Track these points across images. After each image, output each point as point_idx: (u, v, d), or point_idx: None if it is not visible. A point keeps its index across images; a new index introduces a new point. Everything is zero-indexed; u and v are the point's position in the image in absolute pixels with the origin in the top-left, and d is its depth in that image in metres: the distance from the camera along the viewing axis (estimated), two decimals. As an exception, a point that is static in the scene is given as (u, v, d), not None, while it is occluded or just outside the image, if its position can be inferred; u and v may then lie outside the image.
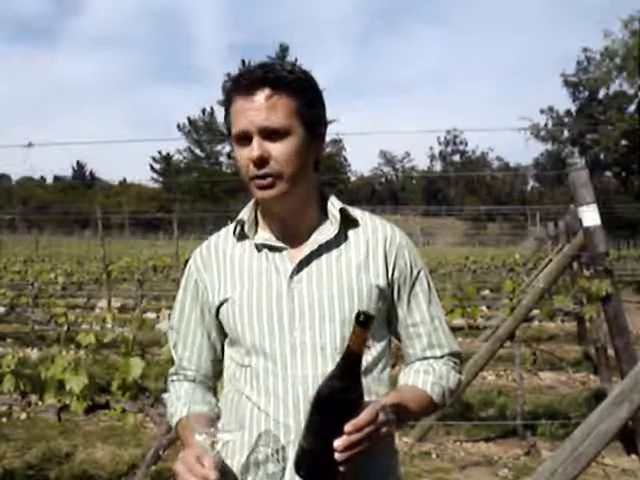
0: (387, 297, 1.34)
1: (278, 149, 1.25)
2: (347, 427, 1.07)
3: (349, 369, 1.08)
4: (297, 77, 1.27)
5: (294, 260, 1.31)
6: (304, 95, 1.28)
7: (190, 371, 1.42)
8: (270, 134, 1.24)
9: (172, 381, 1.45)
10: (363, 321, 1.06)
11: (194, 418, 1.31)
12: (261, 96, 1.24)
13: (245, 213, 1.38)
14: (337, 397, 1.07)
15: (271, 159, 1.25)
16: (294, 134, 1.26)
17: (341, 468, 1.08)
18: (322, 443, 1.08)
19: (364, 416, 1.09)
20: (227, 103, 1.30)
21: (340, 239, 1.33)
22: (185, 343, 1.42)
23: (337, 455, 1.07)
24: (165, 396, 1.47)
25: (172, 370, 1.46)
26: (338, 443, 1.07)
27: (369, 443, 1.10)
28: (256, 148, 1.24)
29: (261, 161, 1.24)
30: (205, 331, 1.40)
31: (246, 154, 1.26)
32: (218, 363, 1.43)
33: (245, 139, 1.26)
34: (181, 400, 1.39)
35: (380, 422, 1.12)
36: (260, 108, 1.24)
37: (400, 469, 1.40)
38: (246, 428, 1.28)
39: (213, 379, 1.45)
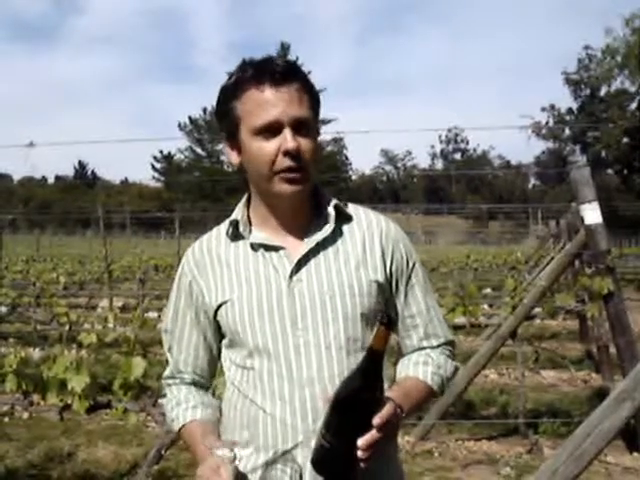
0: (385, 291, 1.33)
1: (306, 143, 1.24)
2: (373, 425, 1.07)
3: (372, 368, 1.10)
4: (307, 76, 1.29)
5: (292, 259, 1.29)
6: (315, 94, 1.29)
7: (187, 374, 1.40)
8: (300, 127, 1.22)
9: (169, 385, 1.43)
10: (386, 322, 1.09)
11: (201, 427, 1.30)
12: (292, 88, 1.22)
13: (237, 213, 1.35)
14: (361, 396, 1.08)
15: (301, 152, 1.22)
16: (314, 129, 1.27)
17: (362, 465, 1.08)
18: (345, 442, 1.08)
19: (386, 413, 1.09)
20: (239, 93, 1.24)
21: (336, 235, 1.32)
22: (180, 345, 1.40)
23: (360, 453, 1.06)
24: (163, 401, 1.44)
25: (167, 374, 1.43)
26: (362, 442, 1.06)
27: (388, 440, 1.10)
28: (292, 139, 1.20)
29: (297, 153, 1.21)
30: (200, 332, 1.38)
31: (273, 146, 1.21)
32: (214, 364, 1.42)
33: (269, 131, 1.22)
34: (182, 405, 1.37)
35: (398, 418, 1.13)
36: (292, 99, 1.21)
37: (402, 465, 1.40)
38: (253, 433, 1.27)
39: (210, 380, 1.43)
